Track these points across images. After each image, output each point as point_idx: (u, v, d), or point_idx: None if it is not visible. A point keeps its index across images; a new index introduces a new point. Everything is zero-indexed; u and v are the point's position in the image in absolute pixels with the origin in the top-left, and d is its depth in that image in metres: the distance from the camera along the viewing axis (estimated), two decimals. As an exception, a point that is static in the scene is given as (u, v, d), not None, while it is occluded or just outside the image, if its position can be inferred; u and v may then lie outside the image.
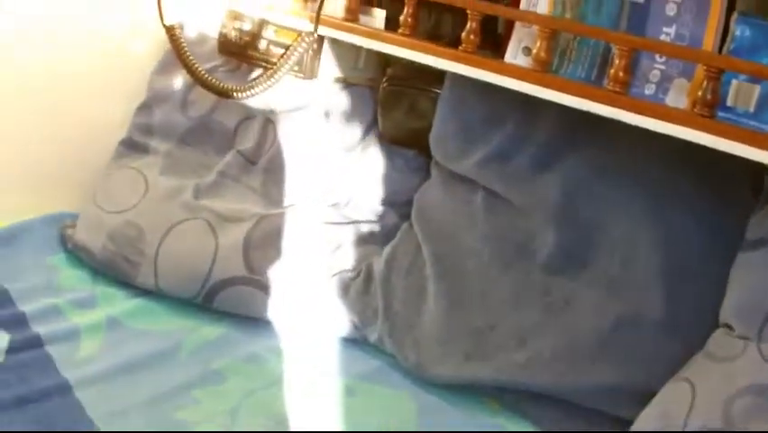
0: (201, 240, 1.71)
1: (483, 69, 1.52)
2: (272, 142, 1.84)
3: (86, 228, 1.79)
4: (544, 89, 1.45)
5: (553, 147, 1.59)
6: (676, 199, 1.48)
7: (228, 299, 1.68)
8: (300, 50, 1.69)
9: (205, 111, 1.92)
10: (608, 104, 1.38)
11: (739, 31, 1.34)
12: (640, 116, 1.35)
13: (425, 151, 1.74)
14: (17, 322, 1.55)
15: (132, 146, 1.92)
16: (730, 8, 1.37)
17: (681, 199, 1.47)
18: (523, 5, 1.54)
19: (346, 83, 1.84)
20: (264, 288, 1.67)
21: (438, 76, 1.67)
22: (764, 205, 1.41)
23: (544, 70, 1.46)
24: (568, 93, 1.42)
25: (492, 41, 1.63)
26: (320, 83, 1.84)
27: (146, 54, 1.95)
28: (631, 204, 1.50)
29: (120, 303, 1.70)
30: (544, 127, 1.59)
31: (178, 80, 1.91)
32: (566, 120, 1.52)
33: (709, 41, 1.38)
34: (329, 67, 1.83)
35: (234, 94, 1.78)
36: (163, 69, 1.96)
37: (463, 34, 1.54)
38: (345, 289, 1.70)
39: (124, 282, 1.74)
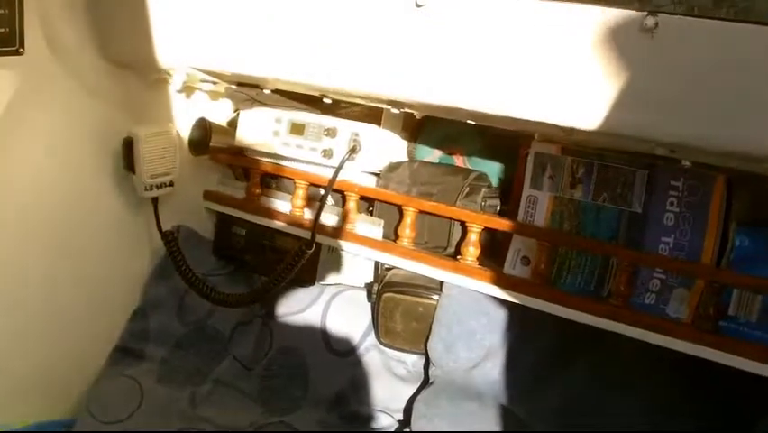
0: (198, 452, 1.67)
1: (483, 280, 1.53)
2: (269, 348, 1.82)
3: (80, 439, 1.75)
4: (545, 302, 1.45)
5: (555, 355, 1.57)
6: (683, 409, 1.45)
7: None
8: (300, 260, 1.68)
9: (200, 316, 1.91)
10: (609, 318, 1.39)
11: (739, 241, 1.35)
12: (642, 330, 1.36)
13: (424, 355, 1.72)
14: None
15: (126, 353, 1.90)
16: (728, 215, 1.39)
17: (688, 409, 1.45)
18: (521, 215, 1.55)
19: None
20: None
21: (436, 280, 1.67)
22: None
23: (543, 283, 1.47)
24: (569, 306, 1.43)
25: (490, 247, 1.64)
26: (318, 288, 1.84)
27: (141, 260, 1.95)
28: (634, 414, 1.48)
29: None
30: (544, 334, 1.58)
31: (174, 286, 1.90)
32: (566, 326, 1.50)
33: (709, 251, 1.39)
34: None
35: (231, 303, 1.78)
36: (159, 274, 1.95)
37: (462, 246, 1.56)
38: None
39: (118, 493, 1.68)
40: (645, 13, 1.08)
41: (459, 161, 1.72)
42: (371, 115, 1.78)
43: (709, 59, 1.06)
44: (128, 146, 1.78)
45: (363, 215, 1.74)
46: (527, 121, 1.24)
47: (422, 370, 1.74)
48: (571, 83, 1.17)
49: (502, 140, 1.65)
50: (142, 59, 1.73)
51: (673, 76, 1.09)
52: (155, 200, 1.84)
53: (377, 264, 1.81)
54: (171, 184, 1.85)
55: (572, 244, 1.50)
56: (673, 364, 1.42)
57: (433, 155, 1.75)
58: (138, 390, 1.80)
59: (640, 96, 1.11)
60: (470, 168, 1.69)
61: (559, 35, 1.17)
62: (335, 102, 1.72)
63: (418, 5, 1.28)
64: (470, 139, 1.71)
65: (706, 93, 1.07)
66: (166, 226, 1.86)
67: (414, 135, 1.78)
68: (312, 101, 1.80)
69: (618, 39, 1.11)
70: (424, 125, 1.76)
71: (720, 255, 1.39)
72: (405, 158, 1.77)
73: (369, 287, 1.80)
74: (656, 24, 1.07)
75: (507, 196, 1.64)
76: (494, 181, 1.67)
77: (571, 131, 1.23)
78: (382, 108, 1.70)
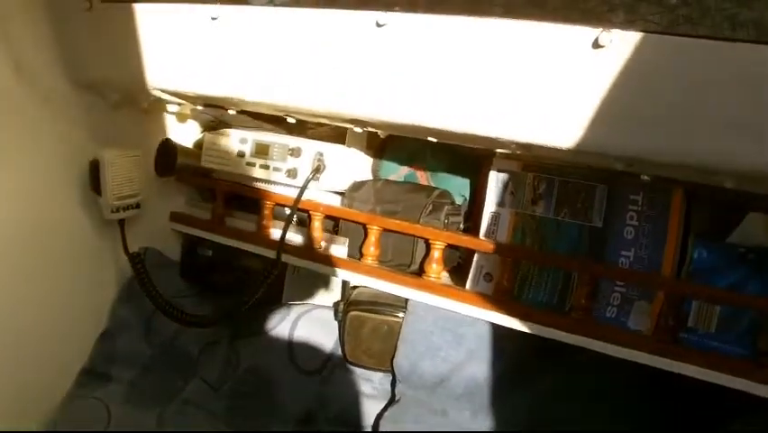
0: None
1: (447, 297, 1.54)
2: (236, 368, 1.82)
3: (46, 462, 1.74)
4: (508, 318, 1.46)
5: (520, 369, 1.58)
6: (650, 417, 1.47)
7: None
8: (266, 280, 1.69)
9: (168, 337, 1.91)
10: (571, 331, 1.40)
11: (697, 254, 1.37)
12: (603, 343, 1.37)
13: (390, 373, 1.73)
14: None
15: (94, 375, 1.89)
16: (687, 227, 1.41)
17: (654, 416, 1.47)
18: (483, 232, 1.57)
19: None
20: None
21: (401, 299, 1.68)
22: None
23: (507, 299, 1.48)
24: (531, 321, 1.44)
25: (458, 264, 1.66)
26: (284, 308, 1.84)
27: (108, 282, 1.95)
28: (601, 424, 1.49)
29: None
30: (509, 348, 1.59)
31: (141, 308, 1.90)
32: (532, 340, 1.51)
33: (668, 264, 1.41)
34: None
35: (198, 324, 1.78)
36: (126, 296, 1.95)
37: (426, 264, 1.57)
38: None
39: None
40: (600, 29, 1.10)
41: (423, 178, 1.73)
42: (339, 134, 1.80)
43: (663, 73, 1.08)
44: (94, 168, 1.78)
45: (328, 234, 1.75)
46: (486, 138, 1.26)
47: (389, 387, 1.74)
48: (527, 99, 1.18)
49: (467, 157, 1.67)
50: (108, 81, 1.74)
51: (628, 90, 1.11)
52: (122, 222, 1.84)
53: (344, 283, 1.82)
54: (138, 206, 1.85)
55: (533, 258, 1.52)
56: (639, 373, 1.44)
57: (398, 173, 1.76)
58: (105, 411, 1.80)
59: (596, 111, 1.13)
60: (433, 186, 1.70)
61: (516, 52, 1.18)
62: (302, 122, 1.73)
63: (379, 25, 1.30)
64: (434, 157, 1.72)
65: (660, 107, 1.09)
66: (133, 248, 1.86)
67: (378, 154, 1.79)
68: (279, 121, 1.81)
69: (573, 55, 1.13)
70: (388, 144, 1.77)
71: (680, 268, 1.41)
72: (369, 177, 1.78)
73: (335, 306, 1.81)
74: (611, 40, 1.09)
75: (473, 212, 1.66)
76: (459, 199, 1.69)
77: (530, 147, 1.24)
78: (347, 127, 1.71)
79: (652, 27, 1.08)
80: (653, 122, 1.10)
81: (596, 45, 1.11)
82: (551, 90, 1.16)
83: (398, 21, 1.28)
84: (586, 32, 1.11)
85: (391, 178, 1.76)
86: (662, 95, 1.08)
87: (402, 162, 1.76)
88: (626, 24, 1.10)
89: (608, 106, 1.12)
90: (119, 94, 1.78)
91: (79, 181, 1.82)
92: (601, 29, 1.10)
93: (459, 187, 1.70)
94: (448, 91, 1.26)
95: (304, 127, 1.85)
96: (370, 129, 1.56)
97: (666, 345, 1.33)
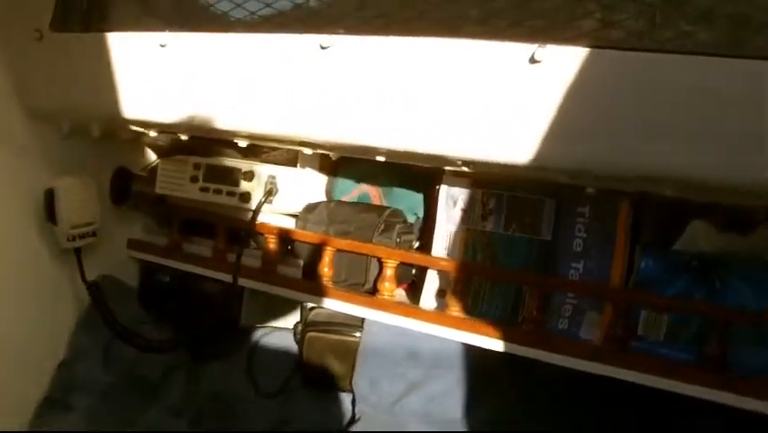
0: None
1: (401, 315, 1.55)
2: (197, 393, 1.82)
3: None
4: (461, 332, 1.48)
5: (479, 383, 1.60)
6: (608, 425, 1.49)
7: None
8: (223, 304, 1.69)
9: (127, 364, 1.90)
10: (523, 344, 1.41)
11: (644, 263, 1.39)
12: (556, 355, 1.38)
13: (350, 392, 1.73)
14: None
15: (53, 404, 1.87)
16: (635, 237, 1.43)
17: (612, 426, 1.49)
18: (435, 249, 1.59)
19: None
20: None
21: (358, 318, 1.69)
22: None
23: (460, 314, 1.49)
24: (485, 335, 1.45)
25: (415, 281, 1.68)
26: (243, 331, 1.85)
27: (66, 311, 1.94)
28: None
29: None
30: (466, 363, 1.60)
31: (100, 335, 1.89)
32: (489, 352, 1.52)
33: (617, 274, 1.43)
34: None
35: (157, 350, 1.77)
36: (84, 324, 1.94)
37: (379, 282, 1.58)
38: None
39: None
40: (536, 45, 1.12)
41: (376, 198, 1.74)
42: (293, 157, 1.80)
43: (598, 86, 1.10)
44: (49, 198, 1.77)
45: (283, 256, 1.75)
46: (432, 155, 1.27)
47: (349, 407, 1.75)
48: (470, 116, 1.19)
49: (420, 176, 1.68)
50: (60, 111, 1.73)
51: (565, 104, 1.12)
52: (78, 251, 1.83)
53: (302, 305, 1.82)
54: (94, 234, 1.84)
55: (484, 274, 1.53)
56: (598, 381, 1.45)
57: (351, 193, 1.77)
58: (66, 439, 1.79)
59: (535, 126, 1.14)
60: (385, 205, 1.72)
61: (456, 71, 1.20)
62: (257, 147, 1.74)
63: (323, 47, 1.31)
64: (387, 176, 1.73)
65: (597, 119, 1.11)
66: (91, 276, 1.85)
67: (331, 175, 1.80)
68: (234, 146, 1.81)
69: (512, 71, 1.14)
70: (341, 165, 1.78)
71: (629, 278, 1.42)
72: (324, 198, 1.79)
73: (295, 327, 1.81)
74: (546, 55, 1.11)
75: (426, 230, 1.67)
76: (412, 217, 1.70)
77: (475, 163, 1.26)
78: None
79: (589, 41, 1.10)
80: (592, 134, 1.11)
81: (532, 60, 1.12)
82: (492, 106, 1.17)
83: (342, 43, 1.30)
84: (523, 49, 1.13)
85: (345, 198, 1.77)
86: (599, 107, 1.10)
87: (355, 182, 1.78)
88: (565, 40, 1.11)
89: (547, 120, 1.14)
90: (70, 123, 1.78)
91: (34, 211, 1.81)
92: (537, 45, 1.12)
93: (413, 205, 1.71)
94: (392, 111, 1.27)
95: (258, 151, 1.85)
96: (319, 151, 1.57)
97: (616, 354, 1.35)
